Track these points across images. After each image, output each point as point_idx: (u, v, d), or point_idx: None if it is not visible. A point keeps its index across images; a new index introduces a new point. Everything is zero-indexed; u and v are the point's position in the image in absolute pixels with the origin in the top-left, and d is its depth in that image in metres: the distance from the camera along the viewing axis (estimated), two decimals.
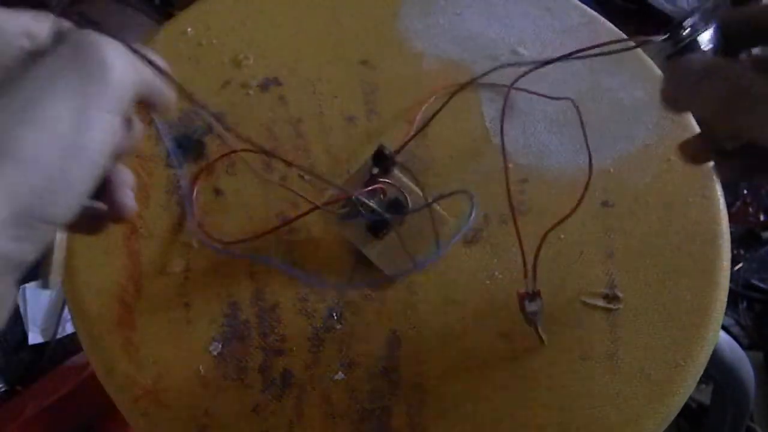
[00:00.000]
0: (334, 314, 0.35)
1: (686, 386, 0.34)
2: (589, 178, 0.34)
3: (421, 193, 0.37)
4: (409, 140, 0.38)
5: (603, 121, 0.42)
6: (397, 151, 0.36)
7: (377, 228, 0.36)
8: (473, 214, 0.32)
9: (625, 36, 0.46)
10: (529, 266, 0.33)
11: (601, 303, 0.36)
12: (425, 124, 0.39)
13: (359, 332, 0.35)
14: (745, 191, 1.06)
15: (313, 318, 0.35)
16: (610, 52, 0.34)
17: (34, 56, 0.24)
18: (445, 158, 0.40)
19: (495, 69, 0.39)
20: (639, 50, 0.45)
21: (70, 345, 0.90)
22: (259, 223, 0.37)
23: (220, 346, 0.34)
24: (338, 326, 0.35)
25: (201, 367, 0.34)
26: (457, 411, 0.33)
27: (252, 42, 0.44)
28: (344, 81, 0.43)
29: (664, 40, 0.33)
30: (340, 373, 0.34)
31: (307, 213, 0.35)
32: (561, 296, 0.36)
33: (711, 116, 0.29)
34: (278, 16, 0.45)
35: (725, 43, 0.30)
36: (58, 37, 0.24)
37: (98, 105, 0.23)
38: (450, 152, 0.40)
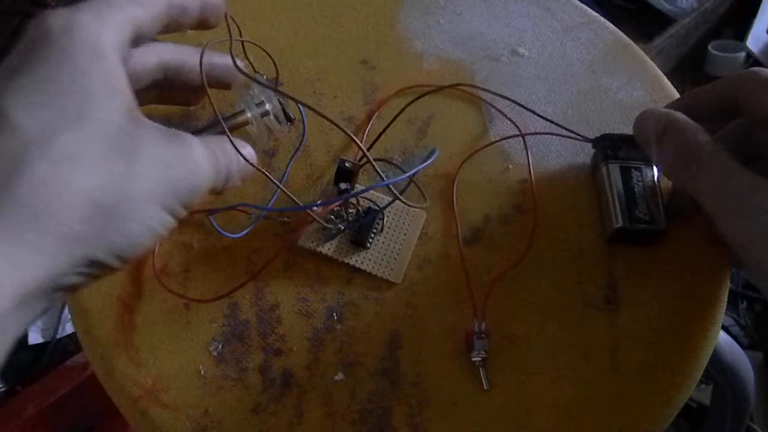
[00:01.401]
0: (334, 314, 0.35)
1: (686, 386, 0.34)
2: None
3: (385, 197, 0.37)
4: (366, 153, 0.38)
5: (603, 121, 0.42)
6: (359, 164, 0.36)
7: (360, 240, 0.36)
8: (436, 153, 0.36)
9: (624, 35, 0.46)
10: (480, 306, 0.35)
11: (601, 303, 0.36)
12: (380, 134, 0.39)
13: (359, 332, 0.35)
14: None
15: (313, 318, 0.35)
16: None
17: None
18: (444, 158, 0.40)
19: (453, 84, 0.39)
20: (639, 50, 0.45)
21: (70, 345, 0.90)
22: (261, 225, 0.37)
23: (220, 346, 0.34)
24: (338, 326, 0.35)
25: (201, 367, 0.34)
26: (457, 411, 0.33)
27: (252, 41, 0.44)
28: (344, 81, 0.43)
29: (589, 141, 0.39)
30: (340, 373, 0.34)
31: (273, 259, 0.35)
32: (561, 296, 0.36)
33: (664, 167, 0.33)
34: (278, 16, 0.45)
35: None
36: (171, 132, 0.28)
37: (178, 198, 0.27)
38: (450, 152, 0.40)
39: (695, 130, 0.31)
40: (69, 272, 0.24)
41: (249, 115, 0.38)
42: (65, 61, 0.25)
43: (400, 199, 0.34)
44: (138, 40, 0.29)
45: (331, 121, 0.31)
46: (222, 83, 0.35)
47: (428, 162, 0.35)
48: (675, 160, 0.32)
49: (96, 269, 0.26)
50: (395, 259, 0.36)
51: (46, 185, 0.23)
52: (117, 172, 0.25)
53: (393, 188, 0.34)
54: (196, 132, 0.38)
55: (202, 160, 0.28)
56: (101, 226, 0.25)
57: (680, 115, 0.32)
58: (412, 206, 0.37)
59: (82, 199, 0.24)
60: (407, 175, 0.33)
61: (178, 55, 0.32)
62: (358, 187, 0.37)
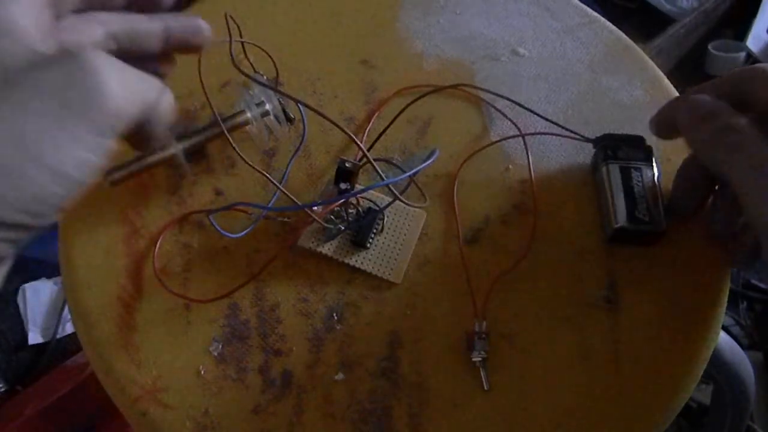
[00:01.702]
0: (334, 314, 0.35)
1: (686, 386, 0.34)
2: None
3: (385, 197, 0.37)
4: (366, 153, 0.38)
5: (603, 121, 0.42)
6: (359, 164, 0.35)
7: (360, 240, 0.36)
8: (436, 153, 0.35)
9: (624, 35, 0.46)
10: (480, 305, 0.35)
11: (601, 303, 0.36)
12: (381, 134, 0.39)
13: (359, 332, 0.35)
14: None
15: (313, 318, 0.35)
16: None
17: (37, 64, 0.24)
18: (444, 158, 0.40)
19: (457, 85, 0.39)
20: (639, 50, 0.45)
21: (70, 345, 0.90)
22: (261, 224, 0.37)
23: (220, 346, 0.34)
24: (338, 326, 0.35)
25: (201, 367, 0.34)
26: (457, 411, 0.33)
27: (252, 42, 0.44)
28: (344, 81, 0.43)
29: (590, 141, 0.39)
30: (340, 373, 0.34)
31: (273, 259, 0.35)
32: (561, 296, 0.36)
33: (701, 148, 0.33)
34: (278, 16, 0.45)
35: None
36: (63, 53, 0.24)
37: (83, 128, 0.23)
38: (450, 152, 0.40)
39: (733, 113, 0.32)
40: None
41: (249, 115, 0.38)
42: None
43: (400, 199, 0.34)
44: (61, 4, 0.27)
45: (332, 121, 0.31)
46: (186, 47, 0.32)
47: (428, 162, 0.35)
48: (712, 141, 0.32)
49: (8, 231, 0.23)
50: (395, 259, 0.36)
51: None
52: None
53: (393, 188, 0.34)
54: (197, 132, 0.38)
55: (107, 79, 0.24)
56: None
57: (721, 102, 0.32)
58: (413, 206, 0.37)
59: None
60: (407, 174, 0.33)
61: (126, 23, 0.30)
62: (359, 188, 0.37)
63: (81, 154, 0.23)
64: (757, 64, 0.33)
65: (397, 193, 0.34)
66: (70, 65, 0.23)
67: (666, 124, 0.35)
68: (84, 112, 0.23)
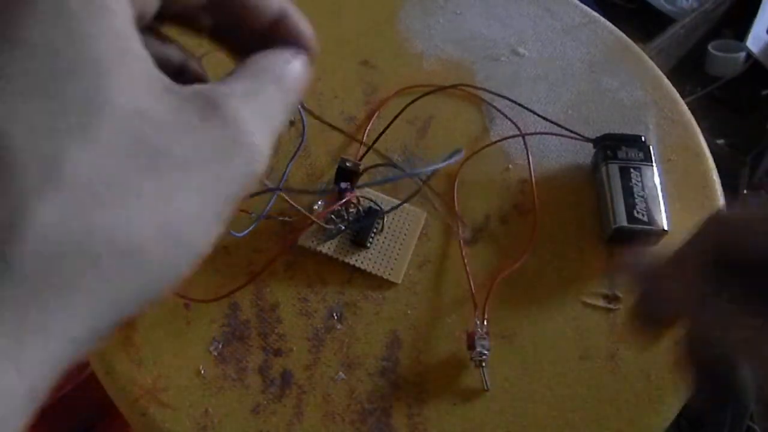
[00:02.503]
0: (334, 314, 0.35)
1: (686, 386, 0.34)
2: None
3: (386, 197, 0.37)
4: (366, 152, 0.39)
5: (603, 121, 0.42)
6: (360, 165, 0.35)
7: (361, 240, 0.36)
8: (461, 154, 0.35)
9: (624, 35, 0.46)
10: (481, 304, 0.34)
11: (601, 303, 0.36)
12: (381, 134, 0.39)
13: (359, 332, 0.35)
14: (745, 191, 1.07)
15: (313, 318, 0.35)
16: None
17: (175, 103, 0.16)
18: (444, 158, 0.40)
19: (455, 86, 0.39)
20: (639, 50, 0.45)
21: None
22: (262, 224, 0.37)
23: (220, 346, 0.34)
24: (338, 326, 0.35)
25: (201, 367, 0.34)
26: (458, 411, 0.33)
27: None
28: (344, 81, 0.43)
29: (590, 141, 0.37)
30: (340, 373, 0.34)
31: (274, 260, 0.35)
32: (561, 296, 0.36)
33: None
34: None
35: None
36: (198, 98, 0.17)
37: (232, 204, 0.18)
38: (450, 152, 0.40)
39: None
40: (87, 347, 0.16)
41: None
42: (58, 18, 0.14)
43: (404, 203, 0.34)
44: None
45: (330, 125, 0.31)
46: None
47: (450, 161, 0.33)
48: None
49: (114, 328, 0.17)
50: (395, 259, 0.36)
51: (55, 240, 0.13)
52: (145, 195, 0.15)
53: (394, 191, 0.34)
54: None
55: (257, 140, 0.18)
56: (131, 275, 0.15)
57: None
58: (413, 206, 0.37)
59: (105, 248, 0.14)
60: (407, 173, 0.33)
61: None
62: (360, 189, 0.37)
63: (211, 230, 0.18)
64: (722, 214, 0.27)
65: (402, 200, 0.34)
66: (216, 130, 0.17)
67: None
68: (239, 188, 0.18)
